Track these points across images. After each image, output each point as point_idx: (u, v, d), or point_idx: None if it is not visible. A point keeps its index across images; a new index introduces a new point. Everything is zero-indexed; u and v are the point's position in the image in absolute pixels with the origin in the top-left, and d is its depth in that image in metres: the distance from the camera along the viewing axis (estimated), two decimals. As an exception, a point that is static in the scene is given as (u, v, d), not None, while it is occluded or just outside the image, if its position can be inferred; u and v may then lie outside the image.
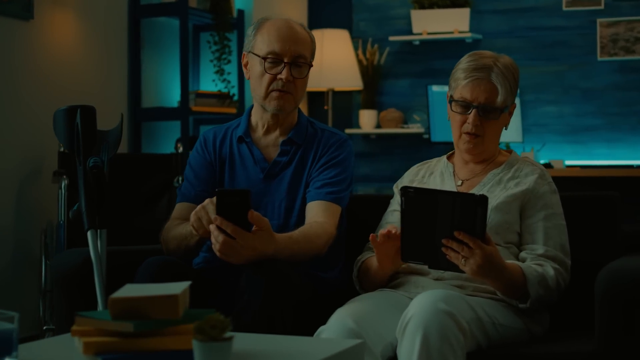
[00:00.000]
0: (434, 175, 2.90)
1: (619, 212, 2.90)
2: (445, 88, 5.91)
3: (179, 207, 3.01)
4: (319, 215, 2.85)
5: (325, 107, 6.36)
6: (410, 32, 6.32)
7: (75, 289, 2.79)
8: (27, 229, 4.57)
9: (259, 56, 2.91)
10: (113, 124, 5.15)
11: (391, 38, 6.37)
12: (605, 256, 2.76)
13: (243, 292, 2.56)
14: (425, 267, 2.61)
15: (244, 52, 3.00)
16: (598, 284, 2.33)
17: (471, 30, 6.17)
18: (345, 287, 2.92)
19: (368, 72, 6.39)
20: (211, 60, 5.63)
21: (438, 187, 2.83)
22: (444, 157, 2.93)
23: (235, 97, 5.70)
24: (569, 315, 2.78)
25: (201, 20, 5.68)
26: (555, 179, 5.48)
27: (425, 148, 6.17)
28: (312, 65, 2.97)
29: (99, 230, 2.71)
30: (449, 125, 6.11)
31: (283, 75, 2.89)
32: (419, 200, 2.43)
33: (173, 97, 5.61)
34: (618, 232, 2.89)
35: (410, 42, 6.39)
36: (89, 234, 2.68)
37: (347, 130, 6.46)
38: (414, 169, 2.98)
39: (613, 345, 2.30)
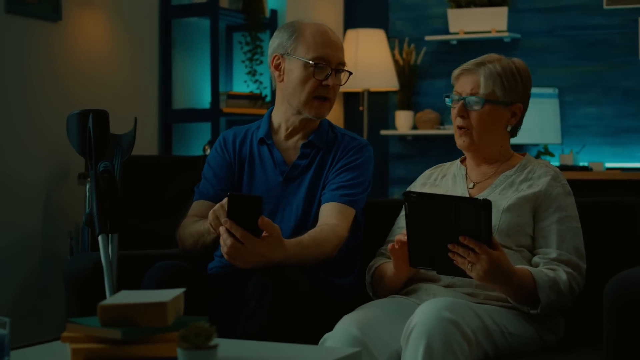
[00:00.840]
0: (446, 178, 2.91)
1: None
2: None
3: (196, 205, 3.04)
4: (331, 217, 2.87)
5: (360, 108, 6.37)
6: (447, 32, 6.30)
7: (86, 293, 2.83)
8: (55, 232, 4.63)
9: (304, 60, 2.93)
10: (144, 126, 5.24)
11: (427, 38, 6.35)
12: (625, 264, 2.73)
13: (250, 299, 2.58)
14: (437, 274, 2.62)
15: (275, 54, 3.01)
16: (606, 292, 2.31)
17: (509, 29, 6.13)
18: (360, 292, 2.93)
19: (404, 72, 6.38)
20: (243, 61, 5.67)
21: (449, 190, 2.83)
22: (458, 160, 2.94)
23: (268, 98, 5.72)
24: (585, 323, 2.75)
25: (234, 21, 5.71)
26: (595, 181, 5.47)
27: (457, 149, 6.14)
28: (350, 72, 3.02)
29: (110, 235, 2.75)
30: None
31: (330, 82, 2.94)
32: (421, 205, 2.43)
33: (205, 98, 5.65)
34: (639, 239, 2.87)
35: (447, 42, 6.37)
36: (100, 238, 2.71)
37: (383, 132, 6.46)
38: (427, 172, 3.00)
39: (621, 357, 2.28)
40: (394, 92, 6.53)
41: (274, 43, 3.02)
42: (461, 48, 6.36)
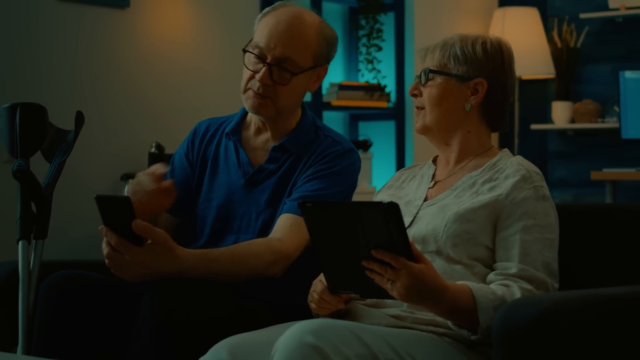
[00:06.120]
0: (415, 180, 2.71)
1: None
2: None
3: None
4: (279, 231, 2.69)
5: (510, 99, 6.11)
6: (606, 8, 5.92)
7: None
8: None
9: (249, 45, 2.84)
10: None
11: (582, 15, 5.99)
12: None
13: (139, 316, 2.49)
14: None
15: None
16: (495, 323, 2.08)
17: (682, 1, 5.69)
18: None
19: (562, 56, 6.06)
20: (357, 48, 5.56)
21: (411, 194, 2.64)
22: (430, 160, 2.74)
23: (388, 89, 5.59)
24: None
25: (352, 2, 5.63)
26: None
27: (623, 146, 5.76)
28: (295, 73, 2.79)
29: (34, 241, 2.73)
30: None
31: (258, 76, 2.79)
32: (321, 217, 2.19)
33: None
34: None
35: (612, 20, 5.98)
36: (19, 245, 2.69)
37: (536, 126, 6.14)
38: (398, 172, 2.80)
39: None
40: (551, 80, 6.21)
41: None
42: (629, 27, 5.95)
